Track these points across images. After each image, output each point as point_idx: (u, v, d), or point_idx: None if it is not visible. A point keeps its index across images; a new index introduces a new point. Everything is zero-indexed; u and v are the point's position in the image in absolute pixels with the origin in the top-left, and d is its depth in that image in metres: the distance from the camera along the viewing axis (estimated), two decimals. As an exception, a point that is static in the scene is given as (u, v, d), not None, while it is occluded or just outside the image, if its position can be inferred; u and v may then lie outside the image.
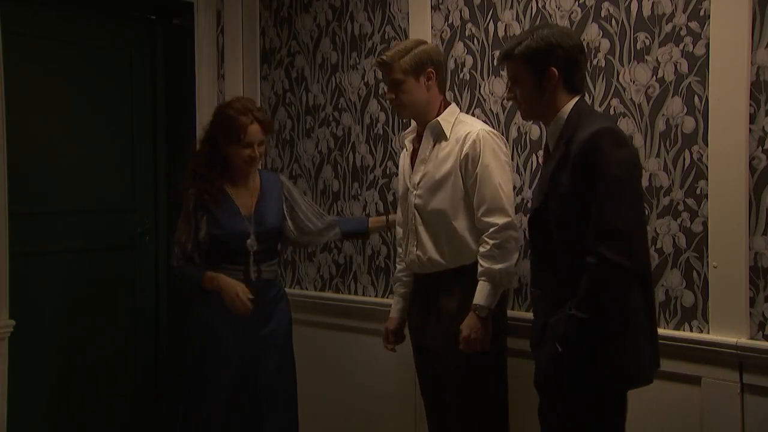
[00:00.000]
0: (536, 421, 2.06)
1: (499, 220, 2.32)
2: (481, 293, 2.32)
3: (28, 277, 2.99)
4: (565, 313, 1.82)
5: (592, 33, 2.49)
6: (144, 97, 3.42)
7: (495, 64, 2.73)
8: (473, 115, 2.79)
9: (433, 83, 2.44)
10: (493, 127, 2.73)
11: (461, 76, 2.82)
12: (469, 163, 2.36)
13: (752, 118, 2.18)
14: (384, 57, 2.44)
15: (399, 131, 3.03)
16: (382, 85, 3.09)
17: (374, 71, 3.11)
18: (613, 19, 2.45)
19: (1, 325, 2.70)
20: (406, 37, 2.98)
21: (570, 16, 2.54)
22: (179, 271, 2.64)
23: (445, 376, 2.44)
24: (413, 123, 2.56)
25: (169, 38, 3.46)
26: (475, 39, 2.78)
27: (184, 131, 3.41)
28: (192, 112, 3.38)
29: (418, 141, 2.52)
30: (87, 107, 3.22)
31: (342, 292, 3.26)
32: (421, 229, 2.45)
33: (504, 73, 2.70)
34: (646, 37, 2.38)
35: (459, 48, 2.83)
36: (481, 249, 2.34)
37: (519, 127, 2.67)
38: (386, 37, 3.06)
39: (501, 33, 2.71)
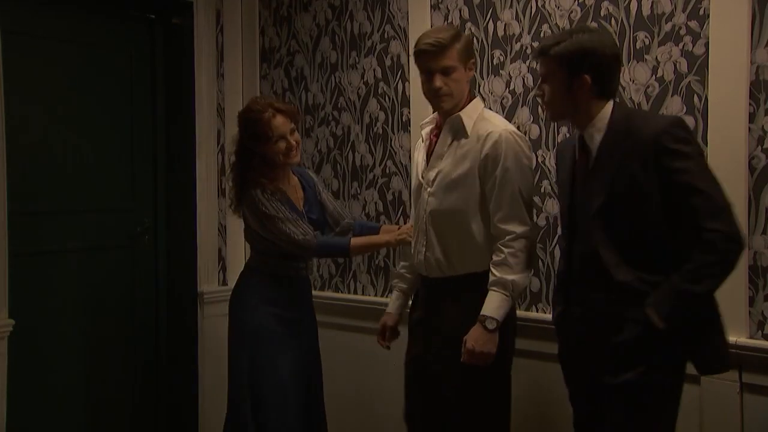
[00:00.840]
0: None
1: (517, 228, 2.17)
2: (491, 304, 2.15)
3: (28, 277, 2.98)
4: (671, 289, 1.77)
5: (591, 32, 2.48)
6: (143, 97, 3.42)
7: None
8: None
9: (472, 75, 2.30)
10: (493, 127, 2.73)
11: (461, 75, 2.82)
12: (488, 165, 2.19)
13: (752, 118, 2.17)
14: (440, 39, 2.17)
15: (398, 131, 3.04)
16: (381, 84, 3.09)
17: (374, 70, 3.11)
18: (612, 19, 2.44)
19: (0, 324, 2.70)
20: (406, 36, 2.99)
21: (569, 15, 2.54)
22: (317, 248, 2.54)
23: (444, 389, 2.25)
24: (434, 113, 2.37)
25: (168, 37, 3.46)
26: (475, 38, 2.78)
27: (184, 130, 3.40)
28: (191, 111, 3.38)
29: (436, 133, 2.33)
30: (86, 106, 3.21)
31: (341, 292, 3.26)
32: (432, 230, 2.28)
33: (504, 72, 2.71)
34: (646, 37, 2.37)
35: (458, 47, 2.82)
36: (495, 257, 2.19)
37: (519, 127, 2.67)
38: (386, 36, 3.06)
39: (500, 32, 2.71)
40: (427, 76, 2.23)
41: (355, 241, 2.58)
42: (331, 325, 3.22)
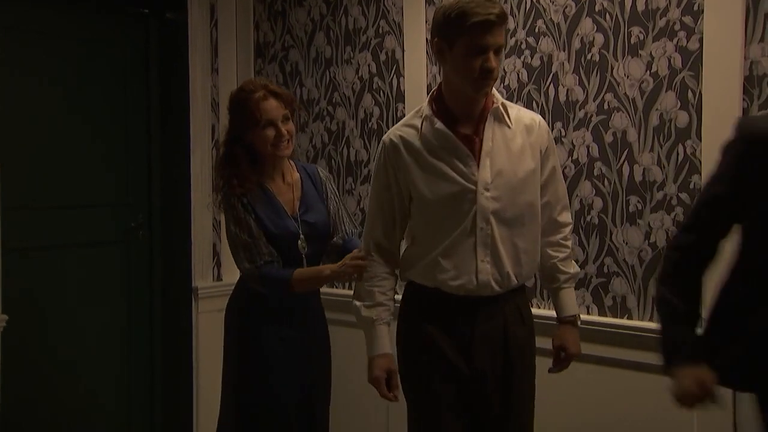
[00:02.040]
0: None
1: (570, 218, 2.12)
2: (572, 301, 2.07)
3: (21, 272, 2.98)
4: None
5: (586, 27, 2.49)
6: (137, 91, 3.41)
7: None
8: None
9: None
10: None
11: (455, 70, 2.82)
12: (549, 156, 2.00)
13: (745, 113, 2.18)
14: (502, 11, 1.83)
15: (393, 125, 3.02)
16: (376, 79, 3.08)
17: (368, 65, 3.10)
18: (607, 14, 2.44)
19: (-6, 319, 2.70)
20: (401, 31, 2.98)
21: (564, 10, 2.54)
22: (258, 278, 2.25)
23: (515, 405, 1.97)
24: (417, 110, 2.01)
25: (162, 32, 3.45)
26: (470, 33, 2.77)
27: (178, 125, 3.39)
28: (186, 106, 3.37)
29: (447, 123, 1.93)
30: (80, 102, 3.21)
31: (336, 287, 3.26)
32: (500, 238, 1.90)
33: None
34: (640, 32, 2.38)
35: (453, 42, 2.82)
36: (558, 252, 2.06)
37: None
38: (380, 31, 3.06)
39: (495, 27, 2.70)
40: (479, 52, 1.81)
41: (300, 274, 2.24)
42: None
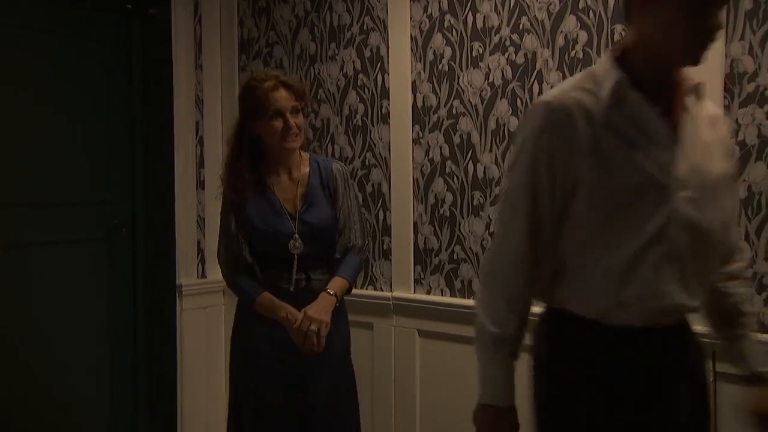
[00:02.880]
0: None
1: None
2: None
3: (3, 270, 2.95)
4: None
5: (570, 25, 2.50)
6: (120, 88, 3.38)
7: (473, 55, 2.73)
8: (452, 107, 2.80)
9: None
10: (472, 119, 2.74)
11: (440, 67, 2.82)
12: (730, 162, 1.54)
13: (726, 110, 2.20)
14: None
15: (378, 123, 3.03)
16: (361, 76, 3.08)
17: (353, 62, 3.10)
18: (590, 11, 2.46)
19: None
20: (385, 28, 2.98)
21: (548, 7, 2.55)
22: (228, 282, 2.31)
23: None
24: (617, 69, 1.41)
25: (145, 28, 3.42)
26: (454, 30, 2.78)
27: (162, 122, 3.37)
28: (169, 102, 3.34)
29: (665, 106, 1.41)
30: (63, 97, 3.17)
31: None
32: (696, 255, 1.41)
33: (482, 64, 2.71)
34: (624, 29, 2.39)
35: (438, 39, 2.82)
36: (742, 288, 1.62)
37: (497, 119, 2.68)
38: (365, 28, 3.05)
39: (480, 24, 2.71)
40: (708, 16, 1.37)
41: (262, 299, 2.22)
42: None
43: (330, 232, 2.30)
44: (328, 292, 2.24)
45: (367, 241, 2.43)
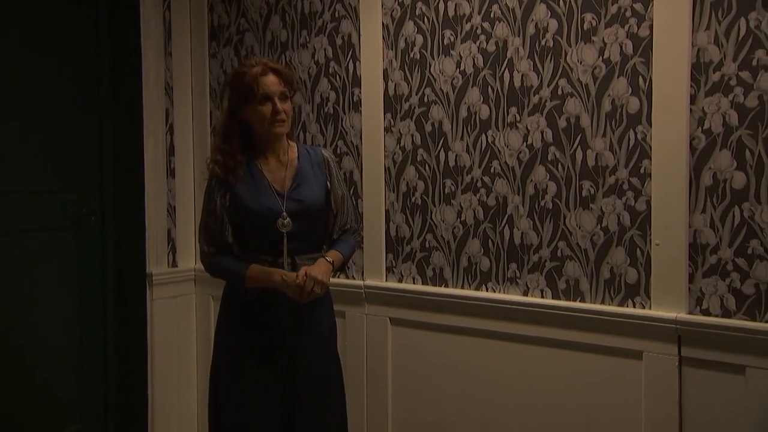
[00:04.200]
0: None
1: None
2: None
3: (-32, 260, 2.90)
4: None
5: (540, 13, 2.51)
6: (88, 75, 3.32)
7: (445, 43, 2.73)
8: (423, 95, 2.80)
9: None
10: (444, 107, 2.75)
11: (411, 55, 2.82)
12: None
13: (693, 99, 2.23)
14: None
15: (349, 110, 3.02)
16: (332, 63, 3.06)
17: (324, 50, 3.08)
18: (560, 0, 2.47)
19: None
20: (357, 16, 2.97)
21: (519, -4, 2.55)
22: (209, 262, 2.28)
23: None
24: None
25: (113, 14, 3.36)
26: (426, 18, 2.78)
27: (131, 109, 3.33)
28: (138, 89, 3.30)
29: None
30: (29, 85, 3.11)
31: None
32: None
33: (454, 52, 2.71)
34: (593, 18, 2.41)
35: (409, 27, 2.82)
36: None
37: (469, 107, 2.68)
38: (336, 15, 3.04)
39: (451, 12, 2.71)
40: None
41: (253, 270, 2.23)
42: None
43: (319, 211, 2.33)
44: (326, 259, 2.28)
45: (360, 225, 2.44)
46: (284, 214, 2.24)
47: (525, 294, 2.59)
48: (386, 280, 2.94)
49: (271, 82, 2.23)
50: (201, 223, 2.33)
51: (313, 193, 2.31)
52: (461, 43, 2.69)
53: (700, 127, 2.22)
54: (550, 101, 2.50)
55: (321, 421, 2.30)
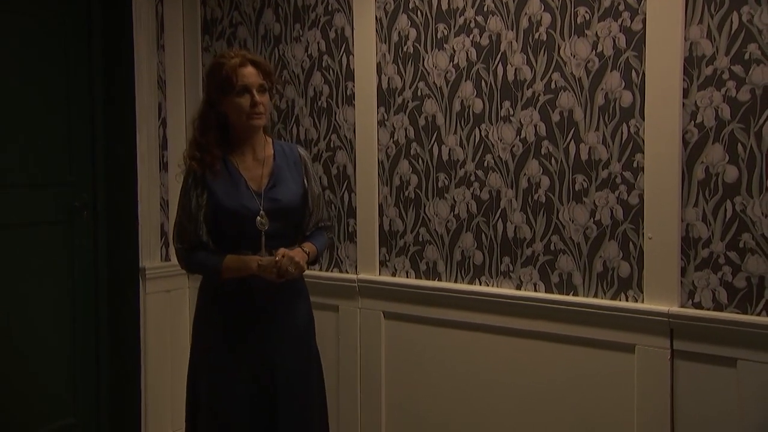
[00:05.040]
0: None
1: None
2: None
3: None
4: None
5: (534, 7, 2.51)
6: (80, 68, 3.30)
7: (438, 37, 2.73)
8: (417, 89, 2.80)
9: None
10: (438, 101, 2.75)
11: (405, 48, 2.81)
12: None
13: (685, 93, 2.23)
14: None
15: (343, 104, 3.02)
16: (325, 57, 3.06)
17: (318, 43, 3.07)
18: (554, -6, 2.47)
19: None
20: (350, 9, 2.96)
21: (512, -11, 2.55)
22: (184, 258, 2.27)
23: None
24: None
25: (106, 7, 3.34)
26: (419, 12, 2.77)
27: (123, 103, 3.31)
28: (131, 83, 3.28)
29: None
30: (21, 78, 3.09)
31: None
32: None
33: (447, 46, 2.71)
34: (586, 12, 2.41)
35: (403, 21, 2.81)
36: None
37: (462, 101, 2.68)
38: (330, 8, 3.03)
39: (444, 6, 2.71)
40: None
41: (229, 261, 2.22)
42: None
43: (296, 210, 2.32)
44: (303, 248, 2.29)
45: (333, 224, 2.42)
46: (262, 213, 2.23)
47: (518, 288, 2.60)
48: (380, 274, 2.94)
49: (249, 73, 2.20)
50: (175, 221, 2.31)
51: (290, 192, 2.30)
52: (455, 36, 2.69)
53: (692, 121, 2.23)
54: (544, 95, 2.51)
55: (302, 413, 2.29)
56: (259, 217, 2.22)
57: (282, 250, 2.20)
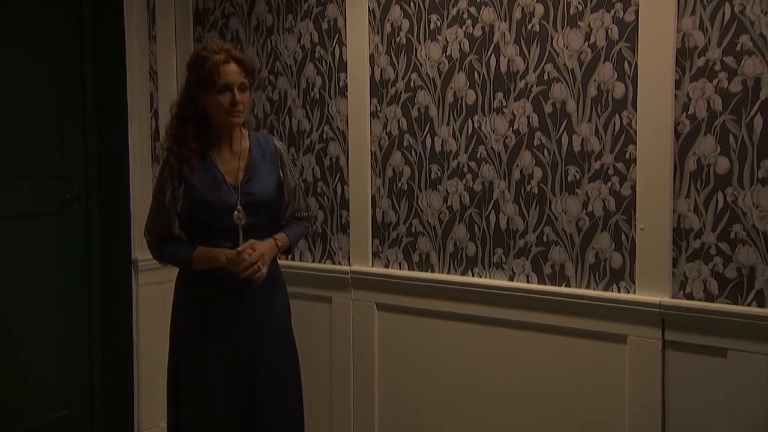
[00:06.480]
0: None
1: None
2: None
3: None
4: None
5: (526, -2, 2.51)
6: (71, 59, 3.28)
7: (431, 28, 2.72)
8: (410, 80, 2.79)
9: None
10: (430, 92, 2.74)
11: (398, 39, 2.81)
12: None
13: (677, 84, 2.24)
14: None
15: (335, 96, 3.01)
16: (318, 48, 3.05)
17: (310, 34, 3.06)
18: (547, -15, 2.47)
19: None
20: (343, 1, 2.95)
21: (505, -20, 2.55)
22: (156, 250, 2.30)
23: None
24: None
25: (96, -3, 3.33)
26: (412, 2, 2.76)
27: (115, 94, 3.30)
28: (122, 73, 3.26)
29: None
30: (11, 69, 3.07)
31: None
32: None
33: (440, 37, 2.70)
34: (579, 3, 2.40)
35: (395, 11, 2.81)
36: None
37: (455, 92, 2.68)
38: (322, -1, 3.02)
39: (437, -3, 2.70)
40: None
41: (199, 253, 2.24)
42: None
43: (272, 203, 2.34)
44: (274, 239, 2.32)
45: (311, 213, 2.51)
46: (239, 207, 2.24)
47: (511, 279, 2.60)
48: (372, 266, 2.94)
49: (232, 71, 2.20)
50: (149, 213, 2.32)
51: (266, 186, 2.31)
52: (447, 27, 2.68)
53: (684, 112, 2.23)
54: (536, 86, 2.50)
55: (283, 402, 2.33)
56: (236, 212, 2.24)
57: (251, 241, 2.23)
